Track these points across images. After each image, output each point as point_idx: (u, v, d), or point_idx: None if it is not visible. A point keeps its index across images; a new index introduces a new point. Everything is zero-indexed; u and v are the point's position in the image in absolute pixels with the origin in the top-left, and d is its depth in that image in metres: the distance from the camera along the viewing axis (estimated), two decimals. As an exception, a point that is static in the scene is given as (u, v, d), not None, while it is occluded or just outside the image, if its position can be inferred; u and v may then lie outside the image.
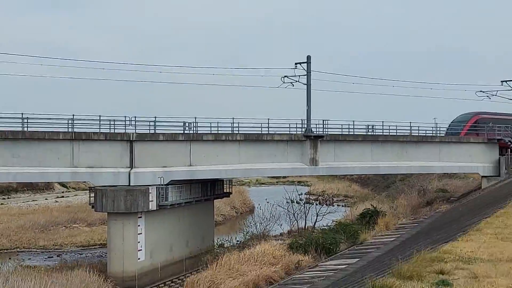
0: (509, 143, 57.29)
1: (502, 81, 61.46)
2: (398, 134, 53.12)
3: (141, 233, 40.94)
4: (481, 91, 61.92)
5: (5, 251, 54.53)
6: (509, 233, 18.85)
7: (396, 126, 53.48)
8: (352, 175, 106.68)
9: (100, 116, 42.38)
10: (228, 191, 54.85)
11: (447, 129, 60.27)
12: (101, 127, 42.20)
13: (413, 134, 53.80)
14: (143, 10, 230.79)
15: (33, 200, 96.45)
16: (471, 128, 60.53)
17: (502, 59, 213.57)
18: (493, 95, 61.63)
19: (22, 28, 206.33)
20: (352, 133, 50.88)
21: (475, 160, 55.69)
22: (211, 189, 50.27)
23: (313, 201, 77.16)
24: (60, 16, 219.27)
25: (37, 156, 39.92)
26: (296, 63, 48.34)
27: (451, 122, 63.22)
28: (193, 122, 45.16)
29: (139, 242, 40.77)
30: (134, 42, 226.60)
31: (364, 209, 53.49)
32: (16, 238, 58.20)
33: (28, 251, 54.57)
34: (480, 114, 62.84)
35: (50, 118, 41.47)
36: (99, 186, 40.88)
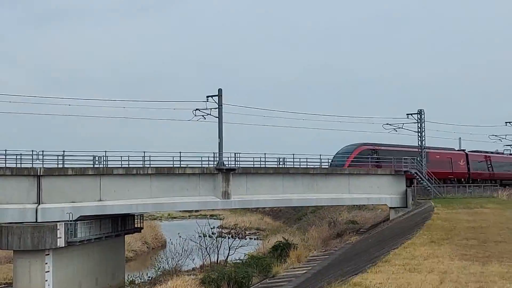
0: (415, 174, 58.90)
1: (407, 114, 63.27)
2: (308, 166, 53.84)
3: (48, 271, 39.78)
4: (387, 124, 63.54)
5: None
6: (416, 264, 19.27)
7: (307, 158, 54.26)
8: (264, 207, 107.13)
9: (6, 150, 41.22)
10: (139, 226, 54.12)
11: (332, 161, 60.08)
12: (7, 161, 41.01)
13: (322, 166, 54.65)
14: (51, 44, 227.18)
15: None
16: (355, 159, 60.32)
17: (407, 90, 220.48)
18: (400, 127, 63.32)
19: None
20: (264, 165, 51.23)
21: (383, 192, 56.93)
22: (121, 224, 49.47)
23: (226, 235, 77.07)
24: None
25: None
26: (207, 96, 48.51)
27: (336, 154, 63.03)
28: (103, 156, 44.52)
29: (46, 280, 39.58)
30: (41, 75, 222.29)
31: (276, 241, 53.71)
32: None
33: None
34: (365, 145, 63.28)
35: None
36: (5, 223, 39.58)
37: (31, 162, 41.61)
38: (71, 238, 40.93)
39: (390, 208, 57.46)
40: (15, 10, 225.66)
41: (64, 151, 43.06)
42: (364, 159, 59.87)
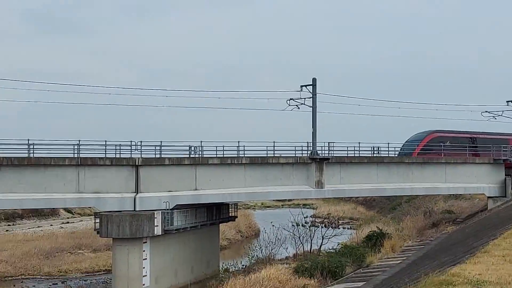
0: None
1: (508, 101, 61.36)
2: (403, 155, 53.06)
3: (146, 259, 40.80)
4: (486, 112, 61.81)
5: (10, 278, 54.21)
6: (517, 255, 18.73)
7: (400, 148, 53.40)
8: (358, 197, 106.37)
9: (105, 141, 42.49)
10: (233, 215, 54.72)
11: (401, 149, 57.12)
12: (106, 152, 42.25)
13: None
14: (143, 37, 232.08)
15: (38, 226, 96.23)
16: (425, 147, 58.06)
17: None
18: (499, 115, 61.51)
19: (20, 55, 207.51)
20: (358, 155, 50.81)
21: (480, 181, 55.51)
22: (216, 213, 50.18)
23: (319, 224, 76.79)
24: (59, 43, 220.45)
25: (43, 182, 39.97)
26: (301, 86, 48.44)
27: (406, 142, 60.61)
28: (199, 146, 45.26)
29: (144, 267, 40.61)
30: (134, 67, 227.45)
31: (370, 231, 53.22)
32: (21, 265, 57.89)
33: (32, 278, 54.21)
34: (436, 133, 60.61)
35: (55, 144, 41.58)
36: (105, 212, 40.83)
37: (129, 152, 42.76)
38: (167, 226, 41.81)
39: (488, 197, 55.96)
40: (111, 4, 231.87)
41: (161, 142, 44.11)
42: (436, 147, 57.46)
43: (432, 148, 57.60)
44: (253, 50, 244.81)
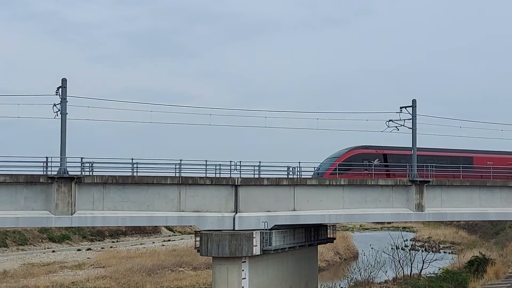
0: None
1: None
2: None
3: (245, 278, 41.10)
4: None
5: (113, 294, 56.00)
6: None
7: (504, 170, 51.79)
8: (459, 221, 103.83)
9: (206, 161, 43.31)
10: (331, 236, 54.48)
11: (316, 168, 49.51)
12: (207, 171, 43.05)
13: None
14: (243, 58, 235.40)
15: (141, 244, 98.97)
16: (341, 166, 48.83)
17: None
18: None
19: (127, 75, 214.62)
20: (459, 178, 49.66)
21: None
22: (314, 234, 50.09)
23: (419, 248, 75.57)
24: (161, 65, 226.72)
25: (146, 200, 41.03)
26: (401, 107, 47.92)
27: (325, 159, 51.61)
28: (297, 167, 45.41)
29: (243, 287, 40.89)
30: (233, 88, 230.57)
31: (472, 256, 51.95)
32: (124, 281, 59.64)
33: (135, 294, 55.80)
34: (360, 149, 51.08)
35: (157, 163, 42.72)
36: (204, 230, 41.49)
37: (229, 172, 43.41)
38: (266, 246, 42.02)
39: None
40: (211, 27, 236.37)
41: (260, 162, 44.58)
42: (358, 166, 49.38)
43: (351, 168, 49.18)
44: (352, 69, 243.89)
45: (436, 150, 53.60)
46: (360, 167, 49.03)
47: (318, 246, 53.89)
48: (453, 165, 50.42)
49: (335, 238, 56.26)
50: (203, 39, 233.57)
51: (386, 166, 50.85)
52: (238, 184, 42.42)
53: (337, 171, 47.89)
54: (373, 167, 48.82)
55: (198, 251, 42.68)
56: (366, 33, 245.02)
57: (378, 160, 50.14)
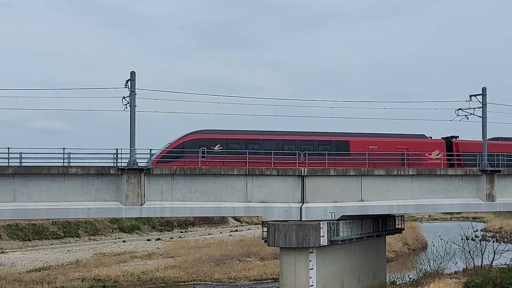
0: None
1: None
2: None
3: (312, 268, 41.16)
4: None
5: (183, 283, 56.71)
6: None
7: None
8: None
9: (272, 151, 43.50)
10: (400, 227, 53.99)
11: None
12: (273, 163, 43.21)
13: None
14: (302, 47, 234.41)
15: (209, 234, 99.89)
16: (171, 153, 44.14)
17: None
18: None
19: (194, 67, 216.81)
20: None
21: None
22: (382, 224, 49.74)
23: (490, 238, 74.10)
24: (229, 56, 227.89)
25: (213, 191, 41.48)
26: (471, 95, 46.98)
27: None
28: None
29: (310, 277, 40.98)
30: (297, 78, 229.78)
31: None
32: (192, 270, 60.37)
33: (204, 283, 56.37)
34: (196, 134, 45.58)
35: (223, 153, 43.08)
36: (271, 221, 41.66)
37: (295, 163, 43.43)
38: (333, 237, 41.98)
39: None
40: (275, 17, 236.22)
41: (326, 153, 44.42)
42: (188, 154, 44.28)
43: (183, 155, 44.25)
44: (416, 57, 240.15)
45: (312, 134, 48.03)
46: (195, 154, 43.80)
47: (386, 236, 53.49)
48: (323, 151, 45.99)
49: (403, 229, 55.72)
50: (266, 29, 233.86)
51: (228, 152, 44.94)
52: (305, 174, 42.43)
53: (166, 159, 43.59)
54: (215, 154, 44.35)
55: (265, 241, 42.99)
56: (430, 20, 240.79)
57: (219, 146, 45.26)
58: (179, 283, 56.62)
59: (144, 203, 39.91)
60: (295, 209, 42.23)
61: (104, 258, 70.40)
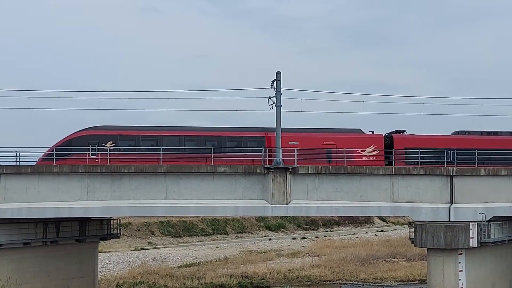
0: None
1: None
2: None
3: (461, 270, 40.10)
4: None
5: (328, 282, 56.95)
6: None
7: None
8: None
9: (420, 151, 42.92)
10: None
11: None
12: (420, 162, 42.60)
13: None
14: (447, 44, 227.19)
15: (354, 234, 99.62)
16: (56, 152, 41.39)
17: None
18: None
19: (331, 67, 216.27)
20: None
21: None
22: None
23: None
24: (368, 54, 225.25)
25: (358, 190, 41.32)
26: None
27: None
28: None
29: (459, 279, 39.96)
30: (442, 76, 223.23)
31: None
32: (338, 270, 60.49)
33: (349, 283, 56.33)
34: (86, 131, 43.14)
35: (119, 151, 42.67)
36: (418, 221, 40.98)
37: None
38: (484, 238, 40.68)
39: None
40: (420, 14, 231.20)
41: (476, 151, 43.28)
42: (82, 150, 42.03)
43: (70, 152, 41.97)
44: None
45: (223, 129, 45.21)
46: (83, 152, 41.75)
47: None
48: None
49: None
50: (410, 27, 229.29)
51: (121, 149, 42.58)
52: (454, 174, 41.39)
53: (53, 158, 41.05)
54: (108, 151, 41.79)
55: (412, 242, 42.36)
56: None
57: (113, 143, 42.43)
58: (324, 282, 56.90)
59: (290, 201, 40.41)
60: (443, 209, 41.28)
61: (251, 255, 71.96)
